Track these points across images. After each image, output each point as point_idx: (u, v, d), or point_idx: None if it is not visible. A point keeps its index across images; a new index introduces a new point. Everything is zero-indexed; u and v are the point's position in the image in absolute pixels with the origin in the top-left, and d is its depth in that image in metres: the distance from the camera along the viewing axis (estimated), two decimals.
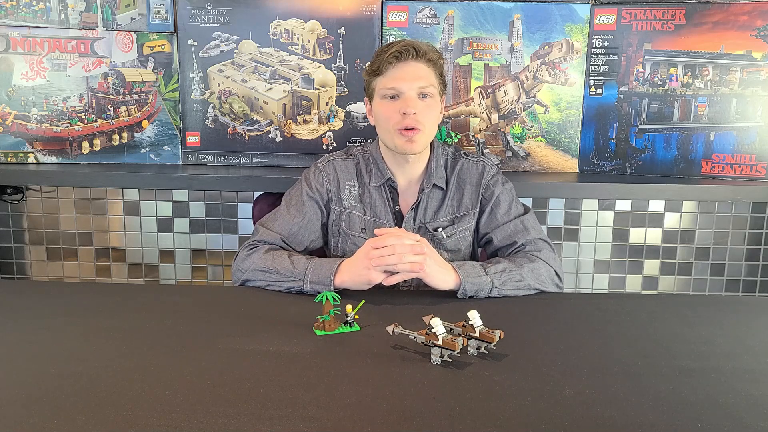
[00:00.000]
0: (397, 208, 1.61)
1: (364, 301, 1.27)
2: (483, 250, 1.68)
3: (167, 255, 2.38)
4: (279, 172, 2.03)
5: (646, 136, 2.04)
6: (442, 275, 1.40)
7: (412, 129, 1.49)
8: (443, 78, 1.56)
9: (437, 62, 1.52)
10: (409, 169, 1.59)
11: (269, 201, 1.89)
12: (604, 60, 2.02)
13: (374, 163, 1.61)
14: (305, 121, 2.09)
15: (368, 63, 1.56)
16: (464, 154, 1.65)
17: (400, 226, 1.58)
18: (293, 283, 1.43)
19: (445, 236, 1.59)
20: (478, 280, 1.41)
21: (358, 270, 1.39)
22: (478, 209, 1.61)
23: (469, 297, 1.41)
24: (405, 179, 1.61)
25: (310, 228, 1.60)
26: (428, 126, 1.51)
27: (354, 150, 1.66)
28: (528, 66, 2.04)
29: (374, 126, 1.59)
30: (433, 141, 1.60)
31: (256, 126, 2.10)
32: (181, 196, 2.33)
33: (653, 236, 2.34)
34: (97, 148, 2.09)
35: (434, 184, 1.59)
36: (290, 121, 2.09)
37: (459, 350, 1.06)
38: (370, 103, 1.58)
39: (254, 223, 1.89)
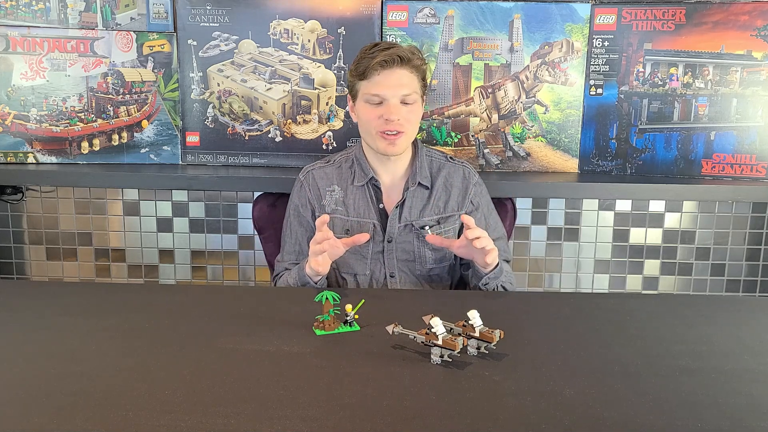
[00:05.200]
0: (381, 206, 1.62)
1: (363, 300, 1.27)
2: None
3: (167, 255, 2.37)
4: (279, 172, 2.03)
5: (646, 136, 2.04)
6: (494, 258, 1.48)
7: (396, 134, 1.53)
8: (425, 81, 1.59)
9: (420, 67, 1.55)
10: (392, 167, 1.62)
11: (269, 201, 1.89)
12: (605, 60, 2.02)
13: (357, 164, 1.64)
14: (305, 121, 2.09)
15: (353, 62, 1.57)
16: (450, 158, 1.69)
17: (385, 224, 1.61)
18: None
19: (430, 234, 1.60)
20: (500, 270, 1.52)
21: (311, 261, 1.47)
22: (463, 212, 1.63)
23: (485, 285, 1.52)
24: (388, 177, 1.63)
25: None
26: (410, 129, 1.56)
27: (336, 156, 1.70)
28: (528, 66, 2.03)
29: (357, 123, 1.62)
30: (416, 141, 1.65)
31: (256, 126, 2.10)
32: (180, 196, 2.33)
33: (653, 236, 2.33)
34: (97, 148, 2.09)
35: (419, 182, 1.61)
36: (290, 120, 2.09)
37: (459, 350, 1.06)
38: (353, 103, 1.60)
39: (254, 223, 1.90)
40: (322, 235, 1.42)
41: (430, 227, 1.61)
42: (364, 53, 1.54)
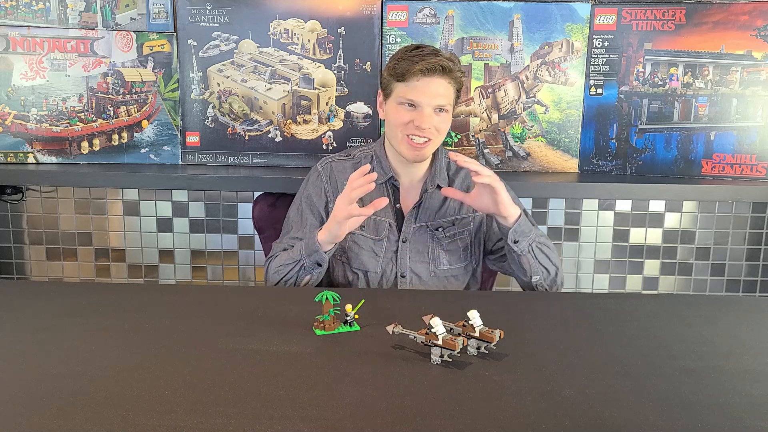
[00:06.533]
0: (398, 206, 1.62)
1: (364, 300, 1.27)
2: (485, 256, 1.69)
3: (167, 255, 2.38)
4: (279, 172, 2.02)
5: (646, 136, 2.04)
6: (509, 204, 1.48)
7: (424, 142, 1.52)
8: (460, 92, 1.57)
9: (459, 79, 1.54)
10: (412, 169, 1.62)
11: (269, 201, 1.89)
12: (605, 60, 2.02)
13: (377, 161, 1.62)
14: (305, 121, 2.09)
15: (391, 60, 1.55)
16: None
17: (400, 224, 1.61)
18: (297, 267, 1.51)
19: (444, 236, 1.61)
20: (529, 228, 1.50)
21: (330, 222, 1.47)
22: (479, 214, 1.63)
23: (514, 242, 1.49)
24: (407, 178, 1.63)
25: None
26: (438, 138, 1.55)
27: (355, 151, 1.69)
28: (528, 66, 2.03)
29: (382, 120, 1.62)
30: None
31: (256, 126, 2.10)
32: (180, 196, 2.33)
33: (653, 236, 2.33)
34: (97, 148, 2.09)
35: (437, 185, 1.61)
36: (290, 121, 2.09)
37: (459, 350, 1.05)
38: (384, 100, 1.59)
39: (254, 223, 1.90)
40: (361, 190, 1.41)
41: (444, 228, 1.61)
42: (404, 54, 1.52)
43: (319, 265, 1.51)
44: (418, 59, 1.49)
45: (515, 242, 1.49)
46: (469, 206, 1.62)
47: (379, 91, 1.61)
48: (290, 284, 1.53)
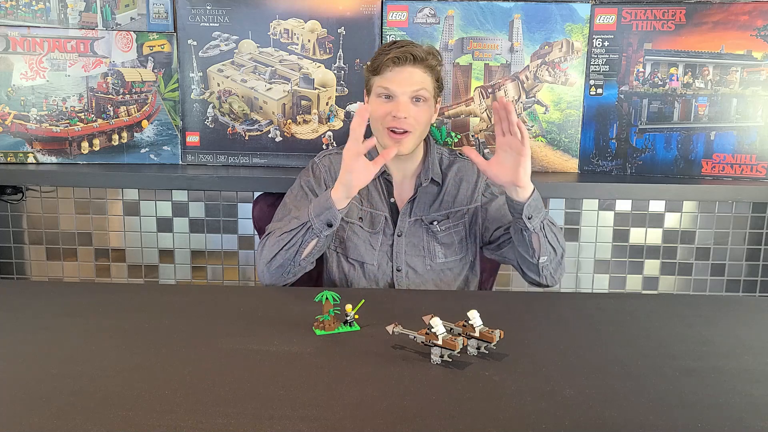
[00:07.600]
0: (392, 200, 1.63)
1: (364, 300, 1.27)
2: (483, 247, 1.68)
3: (167, 255, 2.38)
4: (279, 172, 2.03)
5: (646, 136, 2.04)
6: (528, 175, 1.41)
7: (403, 133, 1.52)
8: (440, 82, 1.58)
9: (435, 68, 1.55)
10: (404, 164, 1.63)
11: (269, 201, 1.89)
12: (605, 60, 2.02)
13: (370, 157, 1.62)
14: (305, 121, 2.09)
15: (370, 59, 1.58)
16: (460, 155, 1.69)
17: (395, 219, 1.62)
18: (303, 231, 1.45)
19: (439, 229, 1.62)
20: (541, 204, 1.45)
21: (342, 175, 1.42)
22: (473, 206, 1.64)
23: (528, 218, 1.42)
24: (400, 173, 1.64)
25: None
26: (419, 128, 1.54)
27: None
28: (528, 66, 2.03)
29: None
30: (428, 138, 1.65)
31: (256, 126, 2.10)
32: (180, 196, 2.33)
33: (653, 236, 2.33)
34: (97, 148, 2.09)
35: (431, 178, 1.62)
36: (290, 120, 2.09)
37: (459, 350, 1.05)
38: (368, 98, 1.61)
39: (254, 223, 1.90)
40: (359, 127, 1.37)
41: (438, 222, 1.62)
42: (380, 50, 1.56)
43: (329, 226, 1.45)
44: (390, 50, 1.52)
45: (529, 218, 1.43)
46: (464, 199, 1.62)
47: (365, 91, 1.63)
48: (289, 256, 1.47)
